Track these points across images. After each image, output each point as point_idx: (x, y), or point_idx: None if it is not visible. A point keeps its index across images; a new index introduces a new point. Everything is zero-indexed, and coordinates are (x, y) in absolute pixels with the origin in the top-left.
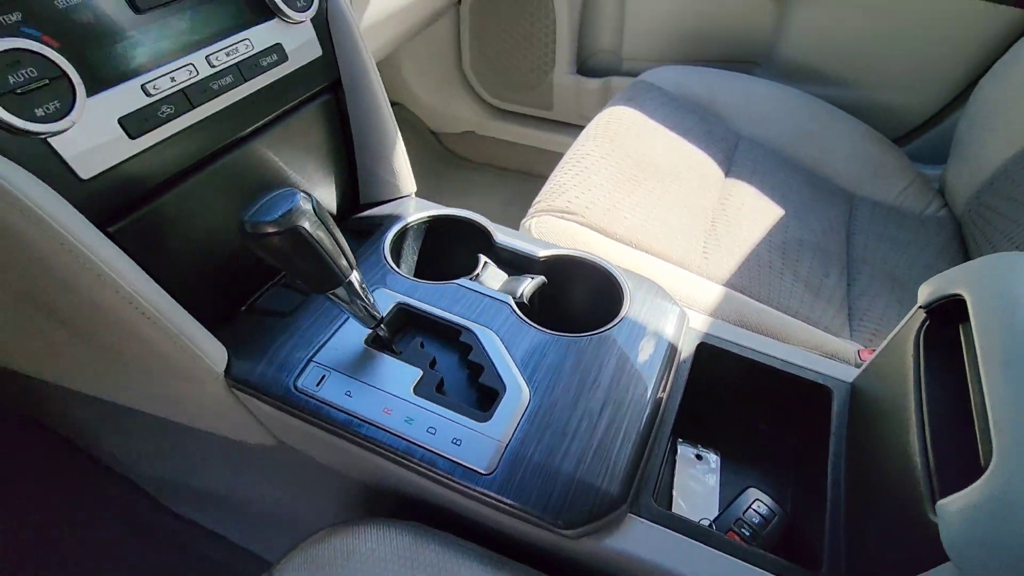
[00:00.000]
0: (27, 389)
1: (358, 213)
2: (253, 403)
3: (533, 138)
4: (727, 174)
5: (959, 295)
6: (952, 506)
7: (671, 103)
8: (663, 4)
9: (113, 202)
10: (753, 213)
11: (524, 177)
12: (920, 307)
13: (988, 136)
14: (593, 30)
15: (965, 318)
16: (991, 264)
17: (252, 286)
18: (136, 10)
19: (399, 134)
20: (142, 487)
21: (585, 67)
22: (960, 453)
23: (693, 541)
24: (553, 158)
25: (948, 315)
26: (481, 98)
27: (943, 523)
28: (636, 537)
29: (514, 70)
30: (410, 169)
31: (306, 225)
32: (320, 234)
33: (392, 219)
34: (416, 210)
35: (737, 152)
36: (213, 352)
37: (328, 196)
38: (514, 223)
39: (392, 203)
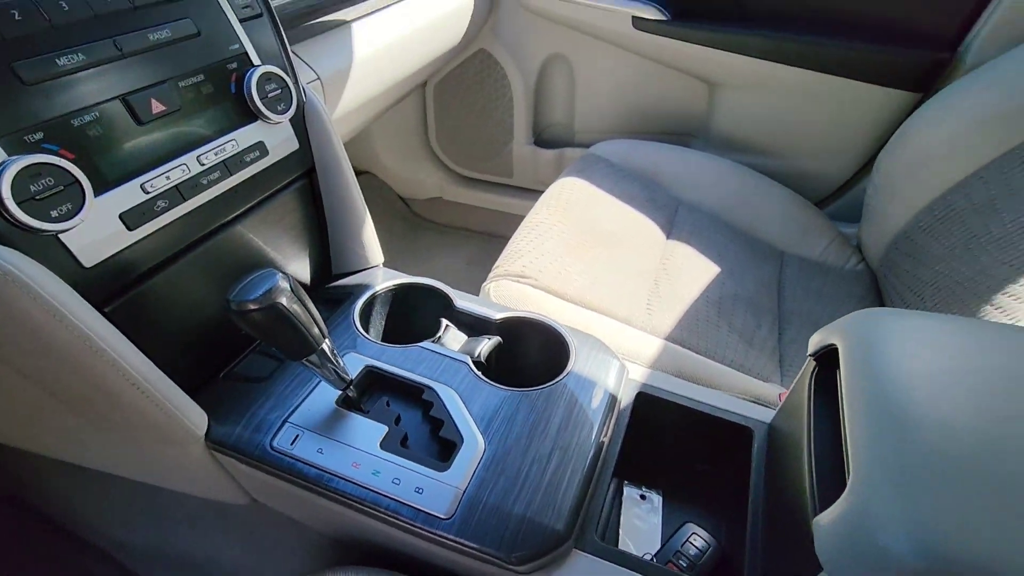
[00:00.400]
0: (4, 464)
1: (330, 283)
2: (231, 463)
3: (495, 202)
4: (668, 237)
5: (834, 344)
6: (822, 520)
7: (617, 173)
8: (608, 85)
9: (110, 285)
10: (692, 272)
11: (487, 238)
12: (809, 355)
13: (888, 202)
14: (547, 107)
15: (838, 363)
16: (858, 318)
17: (230, 355)
18: (138, 122)
19: (367, 211)
20: (116, 557)
21: (541, 139)
22: (835, 478)
23: (632, 572)
24: (514, 220)
25: (831, 360)
26: (447, 167)
27: (817, 536)
28: (580, 570)
29: (476, 142)
30: (377, 242)
31: (283, 301)
32: (296, 308)
33: (361, 288)
34: (383, 279)
35: (677, 216)
36: (194, 417)
37: (302, 269)
38: (477, 281)
39: (362, 273)
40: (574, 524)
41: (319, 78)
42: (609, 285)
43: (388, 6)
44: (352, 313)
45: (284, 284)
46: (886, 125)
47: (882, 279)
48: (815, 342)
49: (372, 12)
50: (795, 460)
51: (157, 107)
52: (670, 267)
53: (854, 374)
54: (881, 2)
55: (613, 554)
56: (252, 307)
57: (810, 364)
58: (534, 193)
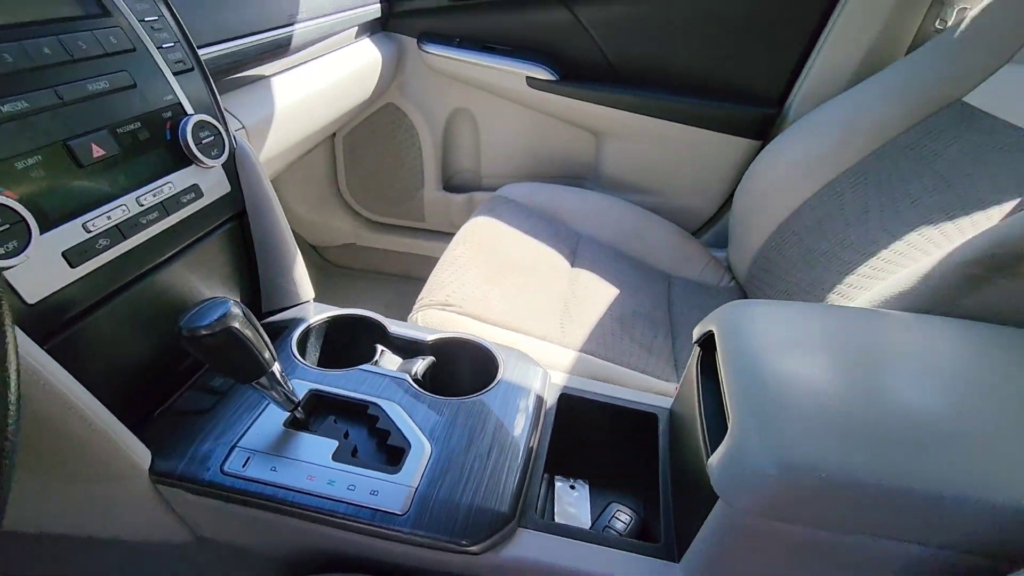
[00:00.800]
0: None
1: (263, 319)
2: (178, 496)
3: (409, 245)
4: (572, 265)
5: (711, 330)
6: (713, 461)
7: (523, 212)
8: (509, 135)
9: (52, 321)
10: (596, 294)
11: (403, 280)
12: (695, 343)
13: (745, 230)
14: (455, 155)
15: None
16: (727, 308)
17: (167, 392)
18: (79, 165)
19: (298, 249)
20: None
21: (450, 184)
22: (721, 433)
23: (571, 540)
24: (428, 261)
25: (712, 346)
26: (359, 214)
27: (711, 474)
28: (527, 544)
29: (388, 189)
30: (308, 278)
31: (237, 325)
32: (248, 332)
33: (296, 321)
34: (316, 313)
35: (579, 248)
36: (138, 449)
37: None
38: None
39: (294, 308)
40: (516, 507)
41: (244, 127)
42: (526, 308)
43: (305, 62)
44: (289, 344)
45: (236, 310)
46: (739, 166)
47: (749, 292)
48: (697, 331)
49: (290, 68)
50: (691, 430)
51: (97, 151)
52: (577, 291)
53: (726, 349)
54: (726, 68)
55: (553, 527)
56: (206, 332)
57: (696, 350)
58: (446, 235)
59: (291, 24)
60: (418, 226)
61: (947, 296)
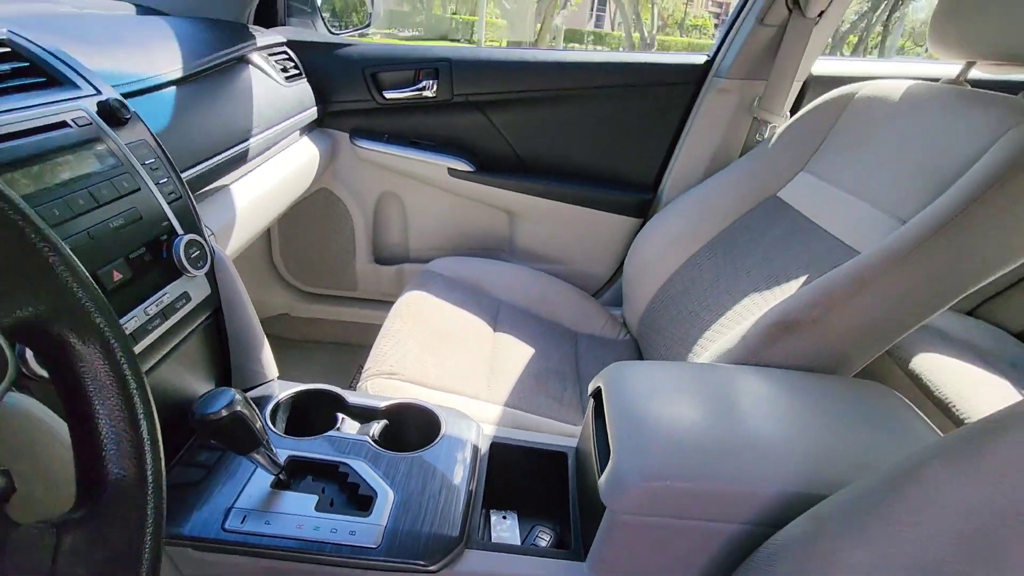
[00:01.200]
0: None
1: None
2: (184, 554)
3: (341, 314)
4: (495, 330)
5: (600, 387)
6: (601, 480)
7: (450, 285)
8: (433, 215)
9: None
10: (515, 354)
11: (336, 347)
12: (590, 395)
13: (634, 292)
14: (384, 231)
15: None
16: (610, 369)
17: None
18: (104, 291)
19: (264, 334)
20: None
21: (381, 257)
22: (604, 461)
23: (506, 554)
24: (360, 328)
25: (601, 397)
26: (292, 285)
27: (600, 489)
28: (473, 561)
29: (320, 261)
30: (273, 359)
31: (242, 409)
32: (247, 413)
33: (266, 398)
34: (281, 389)
35: (499, 313)
36: None
37: (209, 388)
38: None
39: (262, 386)
40: (463, 532)
41: (213, 233)
42: (458, 372)
43: (257, 167)
44: (264, 417)
45: (239, 396)
46: (627, 239)
47: (641, 344)
48: (591, 387)
49: (245, 173)
50: (589, 461)
51: (116, 276)
52: (499, 353)
53: (609, 400)
54: (612, 160)
55: (492, 546)
56: (223, 415)
57: (591, 401)
58: (377, 303)
59: (248, 138)
60: (350, 295)
61: (757, 350)
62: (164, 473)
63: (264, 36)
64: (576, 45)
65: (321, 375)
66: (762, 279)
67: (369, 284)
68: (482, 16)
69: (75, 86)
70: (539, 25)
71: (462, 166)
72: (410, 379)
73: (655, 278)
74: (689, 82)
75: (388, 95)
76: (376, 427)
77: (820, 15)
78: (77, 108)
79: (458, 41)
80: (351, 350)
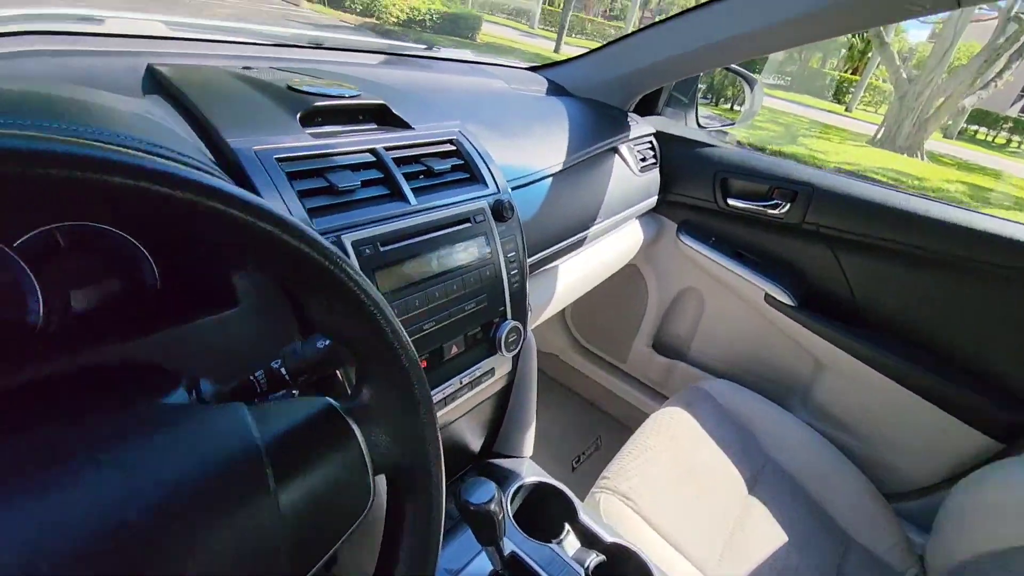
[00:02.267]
0: None
1: (487, 458)
2: None
3: (602, 378)
4: (750, 491)
5: None
6: None
7: (718, 413)
8: (729, 327)
9: None
10: (764, 533)
11: (586, 405)
12: None
13: (954, 532)
14: (673, 321)
15: None
16: None
17: None
18: (440, 360)
19: (535, 414)
20: None
21: (660, 344)
22: None
23: None
24: (611, 397)
25: None
26: (572, 335)
27: None
28: None
29: (604, 325)
30: (533, 437)
31: (495, 508)
32: (498, 511)
33: (513, 476)
34: (528, 472)
35: (763, 474)
36: None
37: (481, 445)
38: (567, 450)
39: (514, 460)
40: None
41: (531, 309)
42: (693, 527)
43: (579, 252)
44: (506, 500)
45: (499, 495)
46: (968, 459)
47: None
48: None
49: (576, 255)
50: None
51: (454, 351)
52: (746, 523)
53: None
54: (988, 358)
55: None
56: (474, 508)
57: None
58: (637, 383)
59: (591, 225)
60: (617, 365)
61: None
62: None
63: (638, 126)
64: (983, 131)
65: (561, 430)
66: None
67: (638, 364)
68: (864, 79)
69: (485, 184)
70: (941, 100)
71: (781, 296)
72: (643, 514)
73: (1001, 532)
74: None
75: (732, 202)
76: (593, 560)
77: None
78: (480, 205)
79: (824, 101)
80: (594, 412)
